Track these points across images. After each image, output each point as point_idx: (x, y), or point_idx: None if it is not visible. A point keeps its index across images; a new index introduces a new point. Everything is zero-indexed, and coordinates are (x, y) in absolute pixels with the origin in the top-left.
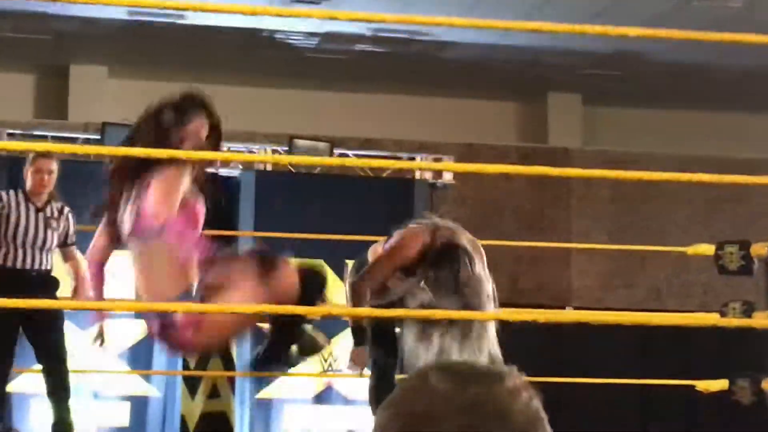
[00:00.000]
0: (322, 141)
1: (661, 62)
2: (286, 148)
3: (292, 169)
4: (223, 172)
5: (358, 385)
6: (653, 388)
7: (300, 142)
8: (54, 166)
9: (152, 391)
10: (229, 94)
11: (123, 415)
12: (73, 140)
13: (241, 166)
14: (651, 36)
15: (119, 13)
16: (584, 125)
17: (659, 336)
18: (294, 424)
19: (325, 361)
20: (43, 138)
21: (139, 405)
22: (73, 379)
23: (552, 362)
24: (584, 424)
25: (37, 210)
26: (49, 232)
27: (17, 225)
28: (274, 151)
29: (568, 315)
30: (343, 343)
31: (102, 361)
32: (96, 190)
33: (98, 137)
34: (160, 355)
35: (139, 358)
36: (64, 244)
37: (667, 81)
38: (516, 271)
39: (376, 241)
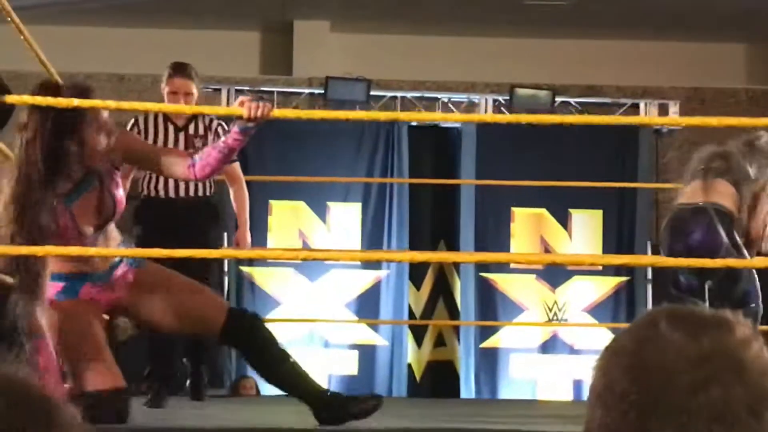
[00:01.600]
0: (543, 89)
1: None
2: (507, 98)
3: (514, 119)
4: (444, 123)
5: (584, 334)
6: None
7: (521, 91)
8: (193, 88)
9: (379, 340)
10: (449, 44)
11: (351, 364)
12: (297, 95)
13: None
14: None
15: None
16: None
17: None
18: (520, 373)
19: (550, 310)
20: (270, 93)
21: (367, 353)
22: (304, 329)
23: None
24: None
25: (177, 129)
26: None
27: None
28: (494, 101)
29: None
30: (568, 293)
31: (331, 311)
32: (319, 151)
33: (322, 91)
34: (387, 305)
35: (366, 307)
36: None
37: None
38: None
39: (599, 191)
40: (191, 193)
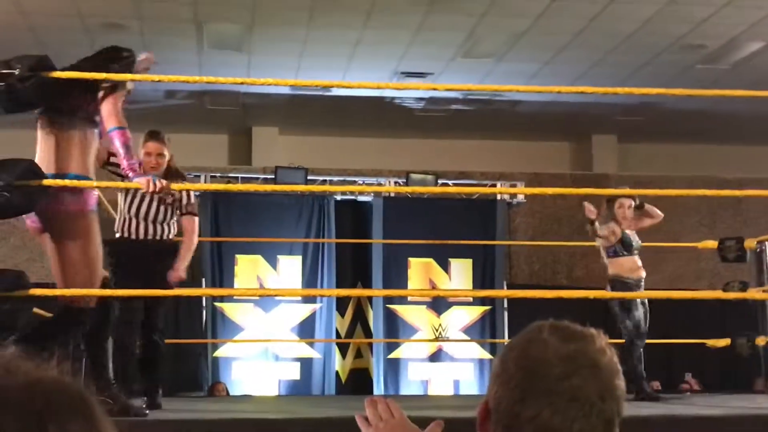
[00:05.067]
0: (429, 174)
1: (673, 110)
2: (404, 180)
3: (409, 195)
4: (360, 198)
5: (461, 348)
6: (674, 346)
7: (414, 176)
8: (165, 150)
9: (315, 354)
10: (363, 143)
11: (295, 372)
12: (255, 179)
13: (372, 194)
14: (664, 93)
15: (286, 90)
16: (619, 157)
17: (679, 309)
18: (415, 376)
19: (436, 330)
20: (235, 179)
21: (306, 364)
22: (261, 347)
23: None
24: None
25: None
26: (162, 207)
27: (133, 199)
28: (395, 183)
29: (610, 294)
30: (449, 318)
31: (280, 333)
32: (271, 219)
33: (273, 177)
34: (320, 329)
35: (305, 330)
36: (181, 214)
37: (678, 123)
38: (572, 263)
39: (469, 246)
40: (158, 236)
